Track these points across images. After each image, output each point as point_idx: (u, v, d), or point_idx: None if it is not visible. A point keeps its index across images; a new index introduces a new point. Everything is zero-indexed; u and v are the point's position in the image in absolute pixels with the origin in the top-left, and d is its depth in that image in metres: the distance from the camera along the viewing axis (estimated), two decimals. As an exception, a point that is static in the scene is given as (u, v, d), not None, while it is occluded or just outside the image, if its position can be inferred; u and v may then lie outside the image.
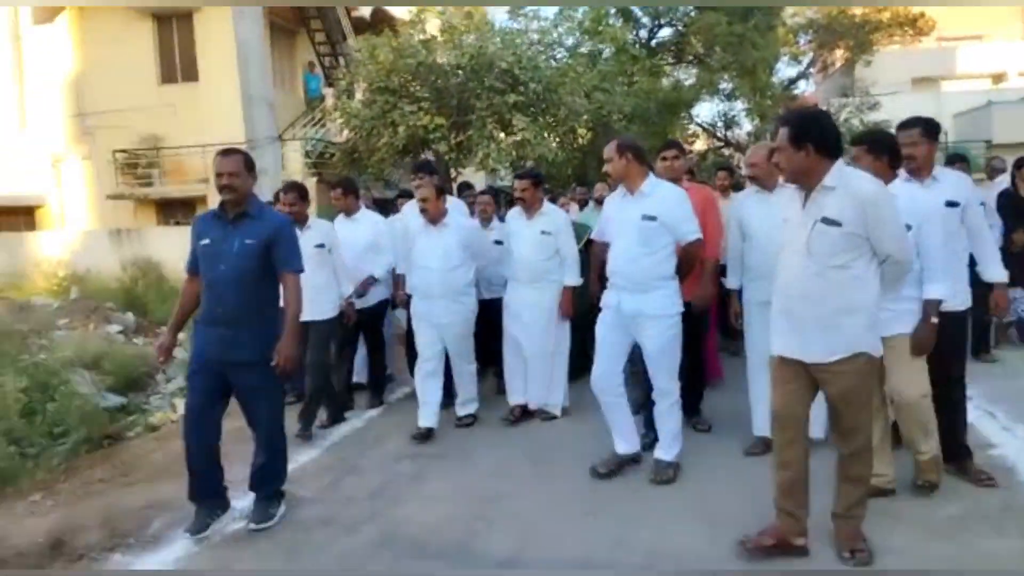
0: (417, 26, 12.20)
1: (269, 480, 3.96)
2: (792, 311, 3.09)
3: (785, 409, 3.17)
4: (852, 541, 3.19)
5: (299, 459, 4.79)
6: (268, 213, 3.93)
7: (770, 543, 3.22)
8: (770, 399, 3.25)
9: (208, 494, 3.80)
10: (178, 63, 16.11)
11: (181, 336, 4.18)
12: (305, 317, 4.83)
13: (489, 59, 10.97)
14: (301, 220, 5.32)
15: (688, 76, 22.19)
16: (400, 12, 19.41)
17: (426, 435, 5.13)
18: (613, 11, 17.91)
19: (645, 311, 4.10)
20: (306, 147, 15.74)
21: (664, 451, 4.28)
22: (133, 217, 16.41)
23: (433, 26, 13.95)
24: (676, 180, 4.62)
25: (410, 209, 5.87)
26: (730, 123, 27.80)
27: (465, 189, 8.27)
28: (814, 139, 2.97)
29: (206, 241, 3.76)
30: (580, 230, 6.01)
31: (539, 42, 13.07)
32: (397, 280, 5.99)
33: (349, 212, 6.04)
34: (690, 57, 21.32)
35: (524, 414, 5.49)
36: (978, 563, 3.16)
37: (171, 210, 16.40)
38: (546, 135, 11.14)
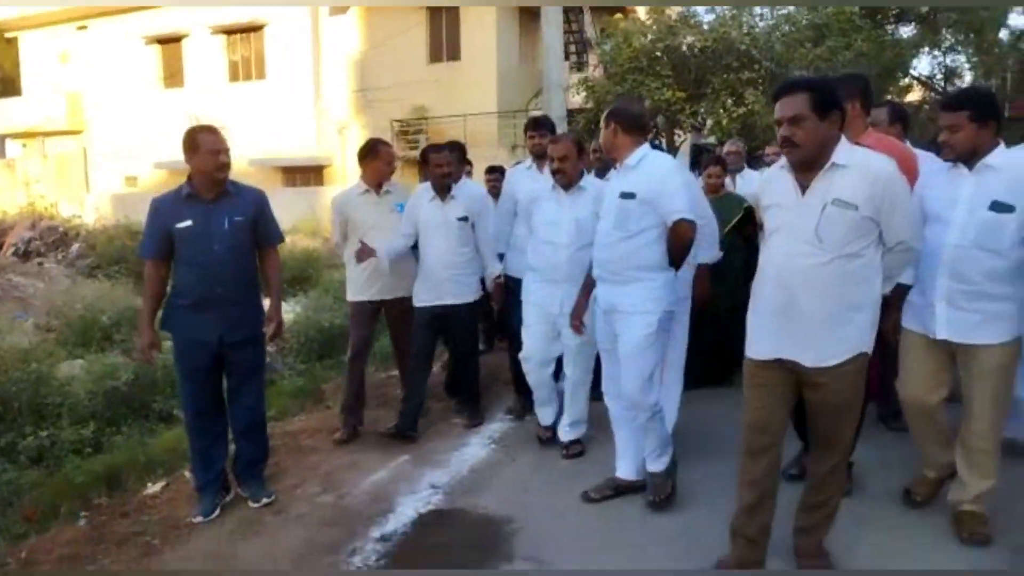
0: (663, 13, 14.02)
1: (262, 463, 3.96)
2: (792, 307, 2.61)
3: (769, 420, 2.74)
4: (816, 557, 2.89)
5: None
6: (244, 188, 3.77)
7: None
8: (748, 409, 2.78)
9: (216, 490, 3.82)
10: (444, 44, 19.01)
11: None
12: (444, 300, 4.58)
13: (729, 42, 12.59)
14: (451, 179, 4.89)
15: (908, 32, 22.17)
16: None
17: (551, 430, 4.37)
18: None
19: (619, 306, 3.40)
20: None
21: (654, 463, 3.52)
22: (401, 175, 19.60)
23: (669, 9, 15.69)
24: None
25: (523, 173, 4.89)
26: (951, 75, 27.00)
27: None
28: (840, 107, 2.58)
29: (186, 223, 3.55)
30: (726, 204, 5.02)
31: (771, 18, 14.49)
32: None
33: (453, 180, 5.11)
34: (911, 17, 21.33)
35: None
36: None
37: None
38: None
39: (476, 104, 18.11)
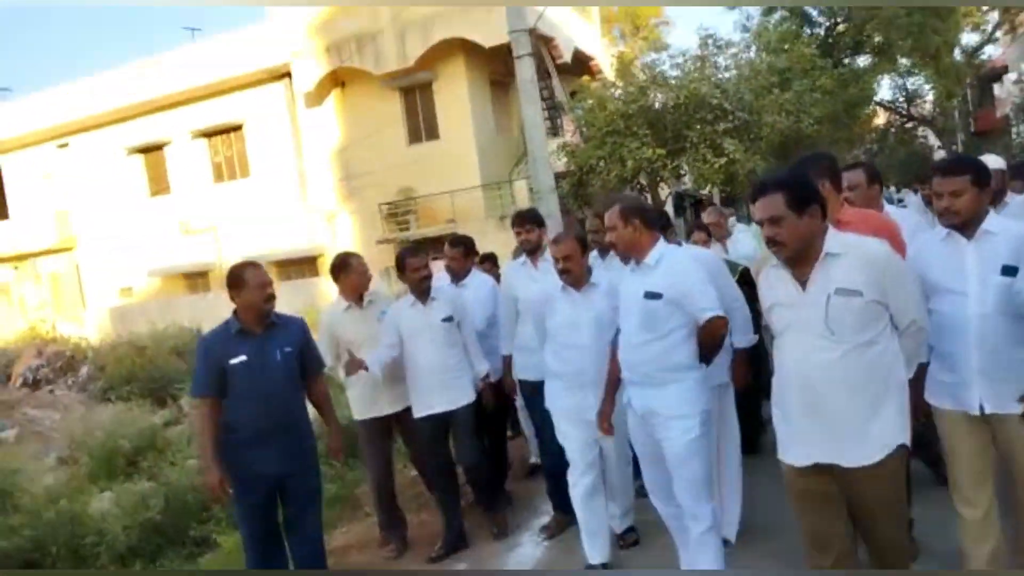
0: (627, 76, 14.53)
1: None
2: (818, 406, 2.54)
3: (828, 534, 2.65)
4: None
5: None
6: (287, 318, 3.90)
7: None
8: (801, 522, 2.71)
9: None
10: (422, 125, 19.49)
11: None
12: (438, 408, 4.42)
13: (700, 97, 13.04)
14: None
15: (865, 62, 22.95)
16: (591, 48, 21.90)
17: (604, 569, 3.95)
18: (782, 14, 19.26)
19: (658, 409, 3.29)
20: (531, 184, 18.46)
21: None
22: (394, 257, 19.82)
23: (631, 66, 16.24)
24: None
25: (518, 270, 4.81)
26: (912, 97, 27.89)
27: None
28: (817, 200, 2.56)
29: (241, 359, 3.62)
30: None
31: (735, 67, 15.05)
32: (507, 364, 4.80)
33: (460, 275, 5.19)
34: (867, 49, 22.11)
35: None
36: None
37: (423, 248, 19.65)
38: (752, 153, 13.04)
39: (460, 179, 18.47)
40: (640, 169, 13.60)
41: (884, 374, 2.53)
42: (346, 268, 4.57)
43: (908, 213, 4.01)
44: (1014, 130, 23.39)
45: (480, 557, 4.45)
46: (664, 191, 15.31)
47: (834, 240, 2.56)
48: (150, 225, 22.43)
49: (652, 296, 3.25)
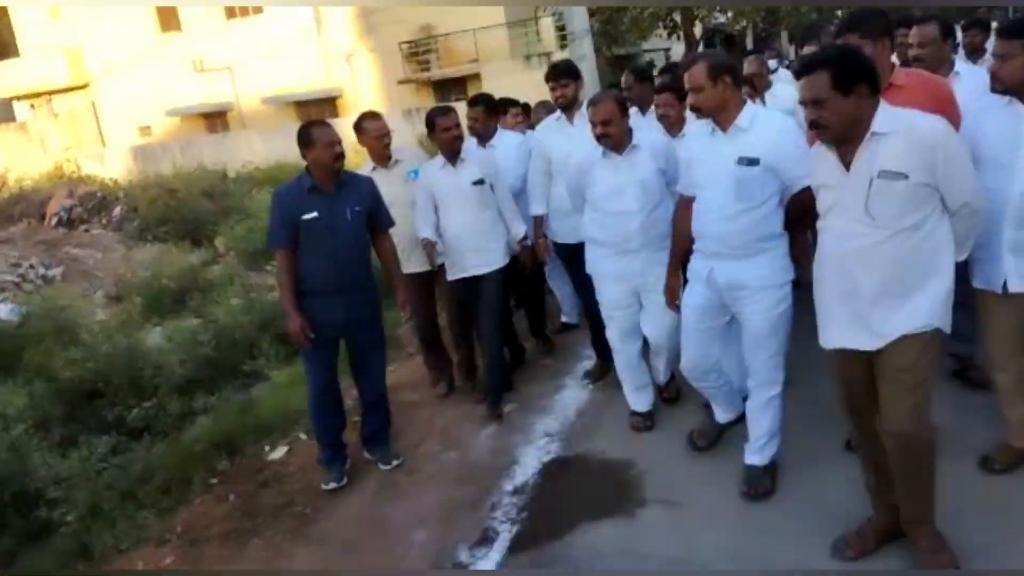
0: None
1: (388, 428, 4.23)
2: (854, 292, 2.49)
3: (864, 405, 2.66)
4: (936, 552, 2.63)
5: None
6: (356, 177, 4.03)
7: (873, 543, 2.78)
8: (839, 391, 2.73)
9: (342, 458, 4.11)
10: (442, -42, 18.45)
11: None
12: (470, 272, 4.45)
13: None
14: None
15: None
16: None
17: (649, 417, 4.06)
18: None
19: (747, 282, 3.14)
20: (557, 22, 17.68)
21: (756, 454, 3.34)
22: (416, 97, 19.41)
23: None
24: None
25: (551, 126, 4.63)
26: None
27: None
28: (866, 77, 2.38)
29: (312, 215, 3.73)
30: None
31: None
32: (538, 224, 4.66)
33: (485, 137, 5.01)
34: None
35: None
36: None
37: (445, 89, 19.20)
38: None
39: (483, 16, 17.71)
40: (675, 7, 12.99)
41: (927, 258, 2.43)
42: (361, 132, 4.53)
43: (977, 72, 3.72)
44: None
45: (526, 398, 4.66)
46: (698, 29, 14.64)
47: (883, 117, 2.40)
48: (164, 62, 21.88)
49: (749, 162, 3.03)
